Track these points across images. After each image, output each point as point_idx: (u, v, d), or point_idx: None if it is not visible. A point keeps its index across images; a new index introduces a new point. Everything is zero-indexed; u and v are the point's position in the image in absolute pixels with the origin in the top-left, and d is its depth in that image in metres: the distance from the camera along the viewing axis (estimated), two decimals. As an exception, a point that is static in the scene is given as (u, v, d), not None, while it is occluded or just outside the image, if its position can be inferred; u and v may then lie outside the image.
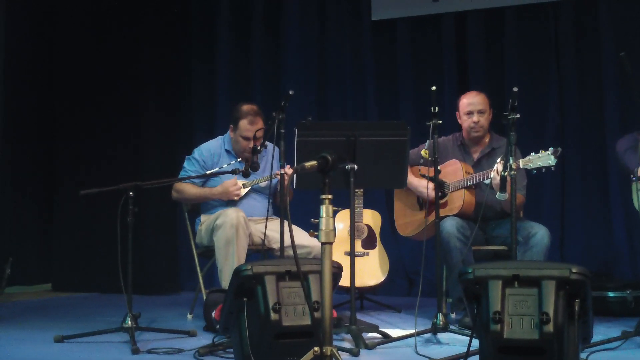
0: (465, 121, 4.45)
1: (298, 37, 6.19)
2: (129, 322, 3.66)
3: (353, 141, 3.63)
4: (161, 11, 6.20)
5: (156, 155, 6.09)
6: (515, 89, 3.59)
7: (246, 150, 4.40)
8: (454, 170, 4.36)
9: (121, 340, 3.68)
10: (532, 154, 3.90)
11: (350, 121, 5.54)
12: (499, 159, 3.88)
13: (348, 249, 3.89)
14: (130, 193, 3.72)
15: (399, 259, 5.53)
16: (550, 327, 2.46)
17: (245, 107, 4.48)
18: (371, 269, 4.83)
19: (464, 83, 5.70)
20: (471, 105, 4.42)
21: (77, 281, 6.08)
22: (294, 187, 3.86)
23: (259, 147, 4.11)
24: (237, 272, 2.90)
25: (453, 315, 4.31)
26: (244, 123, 4.42)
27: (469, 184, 4.25)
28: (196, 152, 4.57)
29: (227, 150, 4.56)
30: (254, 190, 4.50)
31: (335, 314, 3.92)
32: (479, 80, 5.65)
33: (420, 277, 3.84)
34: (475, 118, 4.40)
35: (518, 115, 3.61)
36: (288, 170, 4.02)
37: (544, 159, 3.84)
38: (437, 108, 3.81)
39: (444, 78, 5.74)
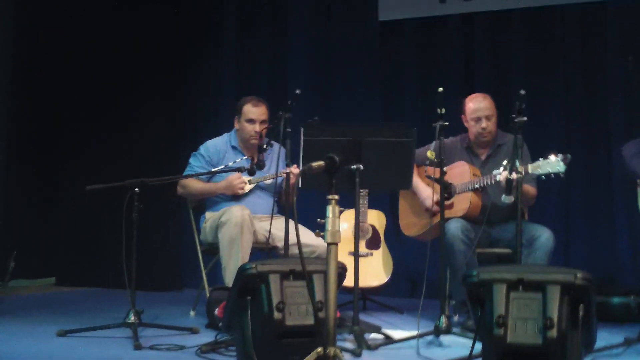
0: (473, 127, 4.42)
1: (305, 37, 6.19)
2: (132, 318, 3.68)
3: (359, 142, 3.62)
4: (166, 9, 6.20)
5: (159, 151, 6.08)
6: (522, 92, 3.59)
7: (252, 136, 4.42)
8: (461, 172, 4.35)
9: (124, 335, 3.69)
10: (541, 159, 3.88)
11: (356, 123, 5.53)
12: (504, 161, 3.87)
13: (352, 249, 3.88)
14: (136, 189, 3.73)
15: (402, 260, 5.52)
16: (553, 332, 2.46)
17: (248, 97, 4.58)
18: (375, 270, 4.83)
19: (469, 84, 5.68)
20: (479, 112, 4.39)
21: (81, 276, 6.08)
22: (299, 186, 3.85)
23: (264, 146, 4.11)
24: (241, 270, 2.91)
25: (456, 318, 4.31)
26: (247, 107, 4.48)
27: (475, 186, 4.24)
28: (202, 149, 4.58)
29: (233, 147, 4.57)
30: (259, 188, 4.51)
31: (338, 314, 3.91)
32: (484, 82, 5.63)
33: (424, 279, 3.85)
34: (483, 124, 4.38)
35: (525, 118, 3.61)
36: (294, 169, 4.03)
37: (554, 165, 3.82)
38: (443, 110, 3.81)
39: (450, 79, 5.71)
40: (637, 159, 4.03)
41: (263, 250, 4.41)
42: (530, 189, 4.25)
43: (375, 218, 4.96)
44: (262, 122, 4.45)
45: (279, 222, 4.20)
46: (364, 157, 3.60)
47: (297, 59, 6.18)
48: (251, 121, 4.45)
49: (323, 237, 2.43)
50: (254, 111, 4.46)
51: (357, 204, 3.72)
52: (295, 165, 4.01)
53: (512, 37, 5.67)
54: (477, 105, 4.40)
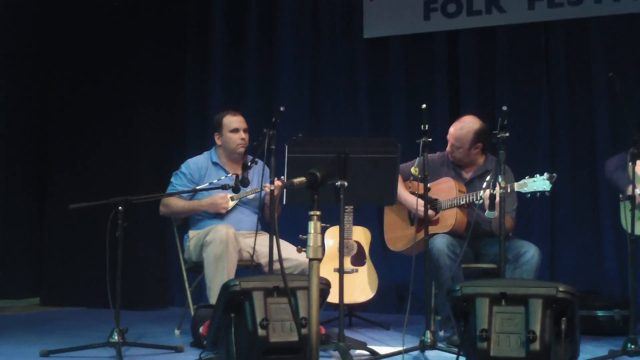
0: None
1: (291, 52, 6.21)
2: (116, 337, 3.65)
3: (343, 158, 3.63)
4: (156, 23, 6.22)
5: (148, 169, 6.08)
6: (504, 108, 3.61)
7: (240, 144, 4.48)
8: (447, 188, 4.36)
9: (108, 355, 3.66)
10: (527, 177, 3.91)
11: (341, 137, 5.54)
12: (488, 177, 3.89)
13: (337, 266, 3.88)
14: (120, 208, 3.72)
15: (388, 276, 5.52)
16: (537, 346, 2.48)
17: (222, 112, 4.64)
18: (360, 286, 4.83)
19: (455, 100, 5.73)
20: (449, 135, 4.42)
21: (66, 296, 6.04)
22: (284, 203, 3.85)
23: (249, 163, 4.11)
24: (226, 287, 2.91)
25: (441, 333, 4.30)
26: (227, 118, 4.54)
27: (461, 202, 4.25)
28: (183, 167, 4.59)
29: (214, 163, 4.57)
30: (242, 203, 4.50)
31: (323, 330, 3.91)
32: (469, 97, 5.67)
33: (409, 295, 3.84)
34: (448, 148, 4.44)
35: (507, 134, 3.64)
36: (278, 183, 4.02)
37: (540, 183, 3.85)
38: (427, 126, 3.82)
39: (436, 95, 5.76)
40: (620, 174, 4.06)
41: (248, 267, 4.40)
42: (507, 219, 4.23)
43: (361, 234, 4.96)
44: (244, 130, 4.51)
45: (263, 238, 4.19)
46: (349, 173, 3.61)
47: (285, 73, 6.20)
48: (235, 130, 4.50)
49: (305, 252, 2.42)
50: (235, 120, 4.52)
51: (342, 221, 3.71)
52: (276, 179, 4.01)
53: (496, 53, 5.72)
54: (452, 131, 4.41)
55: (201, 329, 3.85)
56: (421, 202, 3.99)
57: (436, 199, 4.33)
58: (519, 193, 4.00)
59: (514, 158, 4.40)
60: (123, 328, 3.70)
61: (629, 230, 3.67)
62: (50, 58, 6.32)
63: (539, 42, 5.61)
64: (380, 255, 5.34)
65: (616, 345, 3.63)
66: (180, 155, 5.46)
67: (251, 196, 4.45)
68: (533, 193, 3.90)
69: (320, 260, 2.42)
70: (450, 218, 4.30)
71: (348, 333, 4.00)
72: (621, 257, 5.17)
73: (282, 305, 2.87)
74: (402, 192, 4.36)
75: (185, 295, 4.51)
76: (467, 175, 4.48)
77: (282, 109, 3.92)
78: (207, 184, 4.41)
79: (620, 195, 3.96)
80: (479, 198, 4.10)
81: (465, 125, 4.39)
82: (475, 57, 5.76)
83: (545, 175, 3.85)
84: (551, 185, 3.83)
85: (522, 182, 3.92)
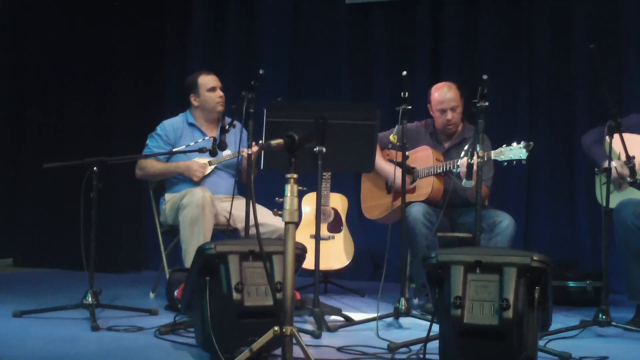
0: (438, 117, 4.42)
1: (273, 17, 6.13)
2: (90, 299, 3.63)
3: (322, 123, 3.61)
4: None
5: (125, 133, 5.99)
6: (485, 77, 3.61)
7: (219, 102, 4.46)
8: (425, 157, 4.36)
9: (81, 316, 3.65)
10: (504, 146, 3.92)
11: (321, 103, 5.50)
12: (466, 146, 3.90)
13: (314, 232, 3.88)
14: (95, 168, 3.68)
15: (364, 244, 5.54)
16: (510, 313, 2.49)
17: (194, 73, 4.59)
18: (336, 253, 4.84)
19: (436, 69, 5.70)
20: (443, 103, 4.38)
21: (40, 257, 6.00)
22: (262, 167, 3.83)
23: (227, 126, 4.08)
24: (201, 250, 2.89)
25: (416, 301, 4.33)
26: (202, 78, 4.50)
27: (438, 171, 4.26)
28: (159, 129, 4.54)
29: (190, 124, 4.53)
30: (220, 167, 4.47)
31: (298, 296, 3.92)
32: (451, 67, 5.65)
33: (385, 262, 3.86)
34: (449, 116, 4.38)
35: (487, 103, 3.63)
36: (255, 148, 4.00)
37: (516, 152, 3.87)
38: (407, 93, 3.81)
39: (417, 63, 5.72)
40: (596, 148, 4.08)
41: (224, 232, 4.39)
42: (482, 188, 4.23)
43: (338, 201, 4.96)
44: (221, 88, 4.50)
45: (240, 203, 4.17)
46: (327, 138, 3.59)
47: (266, 39, 6.12)
48: (213, 89, 4.47)
49: (281, 216, 2.41)
50: (211, 79, 4.50)
51: (320, 187, 3.71)
52: (253, 143, 3.98)
53: (479, 22, 5.69)
54: (442, 96, 4.39)
55: (176, 292, 3.85)
56: (399, 170, 3.98)
57: (414, 167, 4.33)
58: (495, 161, 4.02)
59: (492, 128, 4.40)
60: (97, 290, 3.68)
61: (604, 204, 3.69)
62: (26, 21, 6.18)
63: (521, 13, 5.59)
64: (357, 222, 5.34)
65: (587, 315, 3.68)
66: (158, 121, 5.39)
67: (229, 159, 4.41)
68: (509, 161, 3.91)
69: (296, 223, 2.42)
70: (426, 186, 4.30)
71: (323, 299, 4.02)
72: (595, 229, 5.22)
73: (257, 269, 2.86)
74: (380, 160, 4.36)
75: (161, 258, 4.49)
76: (446, 144, 4.49)
77: (261, 71, 3.89)
78: (184, 146, 4.37)
79: (596, 169, 3.98)
80: (456, 167, 4.12)
81: (449, 87, 4.42)
82: (458, 26, 5.72)
83: (522, 143, 3.87)
84: (527, 154, 3.85)
85: (498, 150, 3.94)
